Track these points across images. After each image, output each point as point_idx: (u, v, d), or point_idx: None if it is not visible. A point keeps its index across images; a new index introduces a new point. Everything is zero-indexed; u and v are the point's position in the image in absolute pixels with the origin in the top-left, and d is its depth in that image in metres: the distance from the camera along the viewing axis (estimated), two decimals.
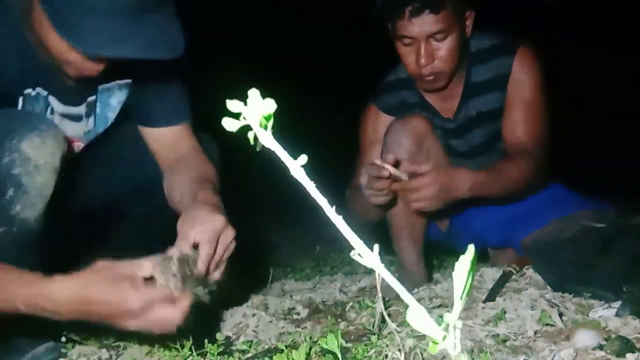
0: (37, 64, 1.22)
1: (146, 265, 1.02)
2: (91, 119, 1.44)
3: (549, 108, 1.75)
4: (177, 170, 1.41)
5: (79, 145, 1.45)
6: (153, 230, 1.52)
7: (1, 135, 1.09)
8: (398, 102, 1.87)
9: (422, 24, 1.58)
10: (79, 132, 1.43)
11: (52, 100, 1.32)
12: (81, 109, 1.40)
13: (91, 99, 1.40)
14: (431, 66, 1.63)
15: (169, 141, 1.48)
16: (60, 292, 0.98)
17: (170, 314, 1.00)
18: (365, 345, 1.16)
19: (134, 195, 1.55)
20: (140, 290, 0.99)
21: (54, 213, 1.21)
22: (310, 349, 1.15)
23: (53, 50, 1.15)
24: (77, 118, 1.39)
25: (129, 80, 1.43)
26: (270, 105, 0.47)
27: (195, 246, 1.13)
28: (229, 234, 1.17)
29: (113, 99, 1.45)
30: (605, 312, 1.25)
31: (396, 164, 1.56)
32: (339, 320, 1.46)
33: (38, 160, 1.10)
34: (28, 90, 1.26)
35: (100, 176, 1.54)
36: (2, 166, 1.08)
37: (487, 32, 1.77)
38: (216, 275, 1.17)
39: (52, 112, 1.34)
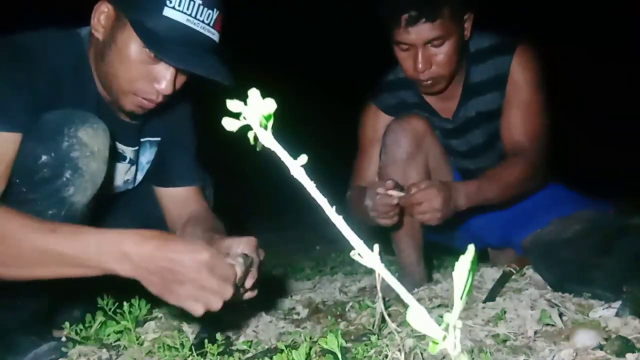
0: (98, 103, 1.35)
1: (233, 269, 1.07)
2: (133, 167, 1.53)
3: (548, 108, 1.75)
4: (188, 224, 1.50)
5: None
6: None
7: (58, 125, 1.17)
8: (397, 102, 1.87)
9: (419, 32, 1.57)
10: (122, 175, 1.51)
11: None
12: (128, 151, 1.49)
13: (135, 148, 1.51)
14: (429, 71, 1.63)
15: (181, 200, 1.58)
16: (137, 240, 1.00)
17: (213, 302, 1.02)
18: (365, 345, 1.16)
19: None
20: (213, 277, 1.01)
21: None
22: (310, 349, 1.15)
23: (124, 78, 1.26)
24: (122, 158, 1.49)
25: (159, 139, 1.56)
26: (270, 105, 0.47)
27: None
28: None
29: (143, 158, 1.56)
30: (605, 312, 1.25)
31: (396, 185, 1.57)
32: (339, 320, 1.46)
33: (93, 147, 1.19)
34: None
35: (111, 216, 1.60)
36: (62, 150, 1.16)
37: (486, 32, 1.76)
38: (248, 294, 1.21)
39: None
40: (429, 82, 1.66)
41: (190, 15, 1.21)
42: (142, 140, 1.53)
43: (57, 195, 1.17)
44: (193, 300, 1.01)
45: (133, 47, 1.23)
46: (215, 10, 1.25)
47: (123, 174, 1.52)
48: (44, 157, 1.15)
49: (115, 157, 1.45)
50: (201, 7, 1.22)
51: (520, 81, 1.71)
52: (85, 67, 1.33)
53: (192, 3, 1.21)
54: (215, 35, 1.28)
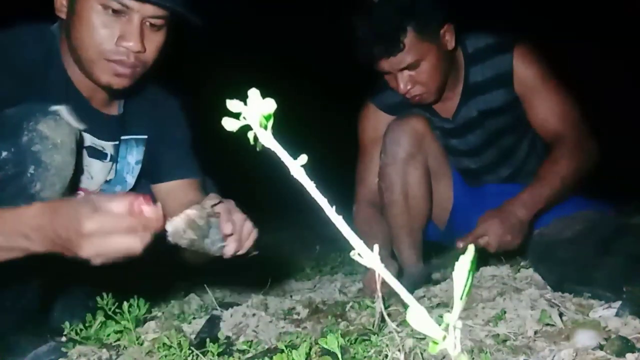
0: (71, 96, 1.30)
1: (117, 201, 0.94)
2: (114, 166, 1.48)
3: (568, 90, 1.75)
4: None
5: None
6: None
7: (17, 120, 1.13)
8: (397, 101, 1.87)
9: (391, 63, 1.63)
10: (104, 174, 1.46)
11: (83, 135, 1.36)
12: (107, 147, 1.44)
13: (115, 142, 1.45)
14: (413, 89, 1.68)
15: (176, 194, 1.53)
16: (33, 214, 0.94)
17: (129, 243, 0.92)
18: (365, 345, 1.16)
19: None
20: (97, 216, 0.91)
21: None
22: (310, 349, 1.15)
23: (90, 44, 1.21)
24: (103, 156, 1.43)
25: (146, 137, 1.51)
26: (270, 105, 0.47)
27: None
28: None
29: (131, 157, 1.50)
30: (605, 312, 1.25)
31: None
32: (339, 320, 1.46)
33: (55, 139, 1.14)
34: None
35: None
36: (22, 144, 1.12)
37: (482, 32, 1.78)
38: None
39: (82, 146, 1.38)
40: (416, 97, 1.71)
41: None
42: (126, 137, 1.48)
43: (24, 192, 1.12)
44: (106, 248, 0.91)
45: (92, 7, 1.19)
46: None
47: (104, 174, 1.46)
48: (4, 154, 1.11)
49: (93, 154, 1.41)
50: None
51: (528, 76, 1.73)
52: (57, 61, 1.29)
53: None
54: None
